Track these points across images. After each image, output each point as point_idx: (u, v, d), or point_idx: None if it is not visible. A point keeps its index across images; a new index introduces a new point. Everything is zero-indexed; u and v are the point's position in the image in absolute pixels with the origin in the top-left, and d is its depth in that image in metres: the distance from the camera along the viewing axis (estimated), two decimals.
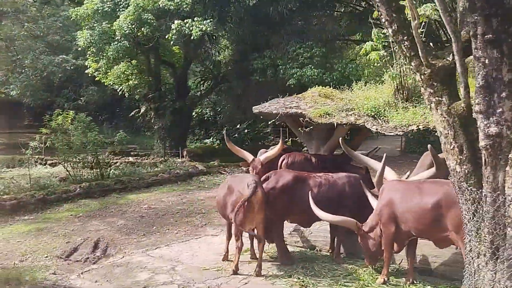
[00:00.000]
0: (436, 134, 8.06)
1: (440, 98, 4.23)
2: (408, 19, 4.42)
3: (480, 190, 4.00)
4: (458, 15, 4.47)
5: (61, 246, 8.49)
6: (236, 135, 25.22)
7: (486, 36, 3.68)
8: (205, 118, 27.63)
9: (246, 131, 24.82)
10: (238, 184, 6.62)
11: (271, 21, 18.79)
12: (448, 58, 4.26)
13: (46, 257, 7.90)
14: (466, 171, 4.16)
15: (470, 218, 4.11)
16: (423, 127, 7.33)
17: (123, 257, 7.78)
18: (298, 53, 18.06)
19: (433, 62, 4.23)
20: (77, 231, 9.40)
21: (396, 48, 8.53)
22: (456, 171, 4.22)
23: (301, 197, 6.88)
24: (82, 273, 6.95)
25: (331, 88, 10.21)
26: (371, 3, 22.03)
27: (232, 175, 8.06)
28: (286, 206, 6.96)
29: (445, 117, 4.22)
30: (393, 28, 4.40)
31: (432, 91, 4.26)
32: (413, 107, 7.83)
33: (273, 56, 18.64)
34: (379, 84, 9.52)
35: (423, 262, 6.67)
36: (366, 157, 7.87)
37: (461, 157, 4.17)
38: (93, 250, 8.30)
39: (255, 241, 7.50)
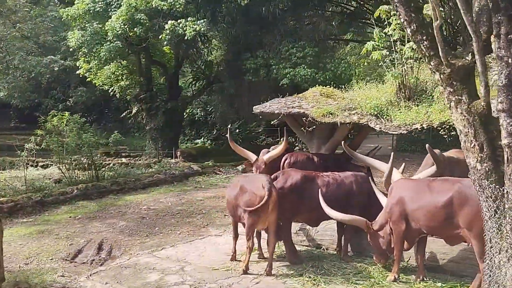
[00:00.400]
0: (426, 132, 8.16)
1: (459, 97, 4.29)
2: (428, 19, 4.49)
3: (502, 188, 4.07)
4: (474, 15, 4.52)
5: (64, 248, 8.42)
6: (228, 135, 25.16)
7: (509, 36, 3.75)
8: (196, 118, 27.58)
9: (237, 131, 24.79)
10: (252, 185, 6.62)
11: (263, 21, 18.83)
12: (467, 58, 4.32)
13: (51, 259, 7.82)
14: (487, 168, 4.22)
15: (492, 215, 4.18)
16: (427, 126, 7.42)
17: (130, 258, 7.74)
18: (291, 53, 18.13)
19: (452, 61, 4.29)
20: (78, 233, 9.33)
21: (398, 48, 8.72)
22: (477, 169, 4.28)
23: (309, 196, 6.92)
24: (90, 275, 6.90)
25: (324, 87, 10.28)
26: (361, 2, 22.24)
27: (242, 175, 8.04)
28: (295, 205, 6.99)
29: (465, 116, 4.28)
30: (412, 28, 4.45)
31: (451, 90, 4.32)
32: (415, 106, 7.92)
33: (266, 56, 18.68)
34: (379, 83, 9.61)
35: (431, 259, 6.74)
36: (369, 158, 7.95)
37: (482, 155, 4.23)
38: (97, 252, 8.23)
39: (263, 241, 7.54)
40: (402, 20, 4.51)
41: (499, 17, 3.77)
